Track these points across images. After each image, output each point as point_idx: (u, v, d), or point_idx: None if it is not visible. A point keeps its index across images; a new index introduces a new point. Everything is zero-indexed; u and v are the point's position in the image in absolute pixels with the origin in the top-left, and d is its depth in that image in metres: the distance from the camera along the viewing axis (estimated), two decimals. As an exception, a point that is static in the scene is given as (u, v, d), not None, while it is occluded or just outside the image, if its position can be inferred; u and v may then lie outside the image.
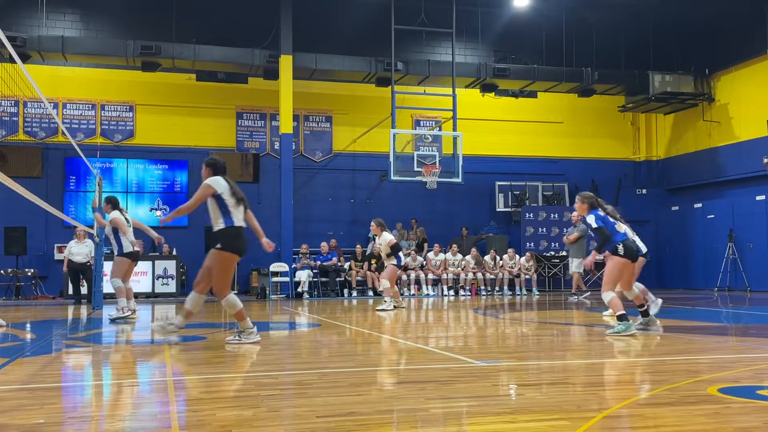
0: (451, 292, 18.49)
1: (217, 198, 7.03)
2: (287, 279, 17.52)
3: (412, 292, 18.13)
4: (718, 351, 6.74)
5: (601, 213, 8.17)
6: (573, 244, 15.32)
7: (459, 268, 18.63)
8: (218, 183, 7.08)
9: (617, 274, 7.96)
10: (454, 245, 18.99)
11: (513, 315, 11.68)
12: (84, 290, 15.60)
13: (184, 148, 19.64)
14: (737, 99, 19.95)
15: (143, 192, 19.41)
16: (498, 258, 19.04)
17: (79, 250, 15.27)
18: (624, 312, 7.73)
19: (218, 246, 7.04)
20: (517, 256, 19.27)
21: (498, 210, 21.50)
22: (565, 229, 20.86)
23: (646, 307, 8.51)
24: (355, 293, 17.83)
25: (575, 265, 15.30)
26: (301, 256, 17.89)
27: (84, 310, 13.40)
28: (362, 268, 18.13)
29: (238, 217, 7.13)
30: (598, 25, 20.67)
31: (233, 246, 7.09)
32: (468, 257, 18.75)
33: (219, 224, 7.04)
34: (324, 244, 18.23)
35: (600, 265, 20.61)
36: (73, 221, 14.98)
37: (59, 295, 17.65)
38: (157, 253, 18.40)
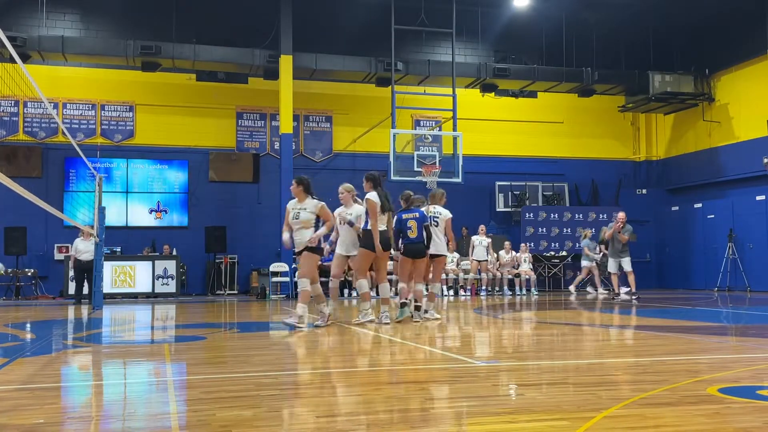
0: (451, 292, 18.49)
1: None
2: (287, 279, 17.51)
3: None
4: (718, 351, 6.74)
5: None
6: (624, 245, 15.23)
7: (456, 266, 18.65)
8: (376, 197, 9.12)
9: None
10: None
11: (513, 315, 11.68)
12: (85, 290, 15.58)
13: (184, 148, 19.64)
14: (737, 99, 19.95)
15: (143, 192, 19.40)
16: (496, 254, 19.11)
17: (86, 247, 15.24)
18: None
19: (360, 244, 9.27)
20: (513, 252, 19.30)
21: (498, 210, 21.51)
22: (565, 229, 20.88)
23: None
24: (355, 293, 17.79)
25: (628, 263, 15.18)
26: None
27: (84, 310, 13.40)
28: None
29: (382, 223, 9.10)
30: (598, 25, 20.67)
31: (366, 245, 9.16)
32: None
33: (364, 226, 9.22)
34: (326, 244, 18.19)
35: (599, 266, 20.65)
36: (72, 221, 14.98)
37: (59, 295, 17.66)
38: (157, 253, 18.42)
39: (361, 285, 9.45)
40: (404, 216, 9.79)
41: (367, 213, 9.23)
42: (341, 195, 9.57)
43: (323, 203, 8.79)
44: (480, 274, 18.29)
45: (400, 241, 9.78)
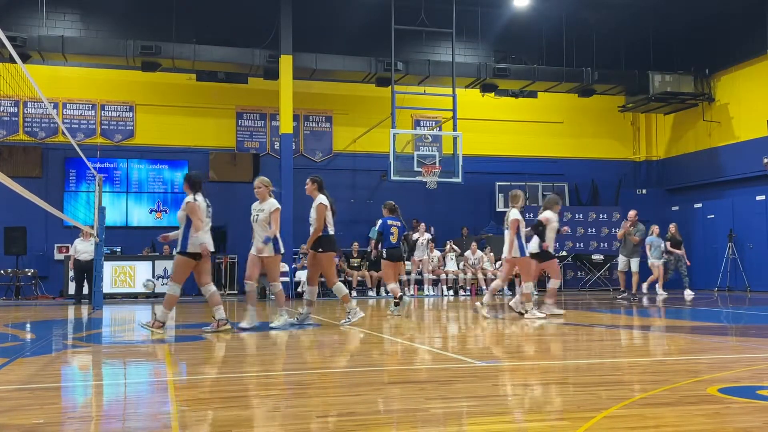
0: (451, 292, 18.51)
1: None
2: (287, 279, 17.50)
3: (412, 292, 18.13)
4: (718, 351, 6.74)
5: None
6: (635, 245, 15.13)
7: (449, 267, 18.70)
8: (325, 201, 9.16)
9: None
10: (449, 243, 19.00)
11: (513, 315, 11.68)
12: (86, 290, 15.56)
13: (184, 148, 19.64)
14: (737, 99, 19.95)
15: (143, 192, 19.40)
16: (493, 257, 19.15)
17: (85, 248, 15.26)
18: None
19: (320, 249, 9.17)
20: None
21: (498, 210, 21.47)
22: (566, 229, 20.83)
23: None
24: (354, 293, 17.82)
25: (636, 265, 15.10)
26: (301, 256, 17.89)
27: (84, 310, 13.40)
28: (359, 268, 18.18)
29: (332, 226, 9.21)
30: (598, 25, 20.67)
31: (331, 248, 9.23)
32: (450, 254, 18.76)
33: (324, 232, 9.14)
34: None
35: (599, 266, 20.62)
36: (73, 221, 14.98)
37: (59, 295, 17.65)
38: (157, 253, 18.41)
39: (339, 289, 9.36)
40: (389, 222, 10.91)
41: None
42: (258, 189, 9.00)
43: (191, 203, 8.30)
44: (422, 275, 18.18)
45: (381, 244, 10.97)
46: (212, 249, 8.55)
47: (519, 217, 10.20)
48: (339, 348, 7.26)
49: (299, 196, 18.40)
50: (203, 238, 8.38)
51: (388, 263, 11.06)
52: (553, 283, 10.82)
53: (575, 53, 20.35)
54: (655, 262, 16.62)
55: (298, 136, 20.05)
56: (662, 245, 16.81)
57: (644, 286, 16.49)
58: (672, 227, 17.27)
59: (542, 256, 10.70)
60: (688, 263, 17.30)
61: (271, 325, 8.96)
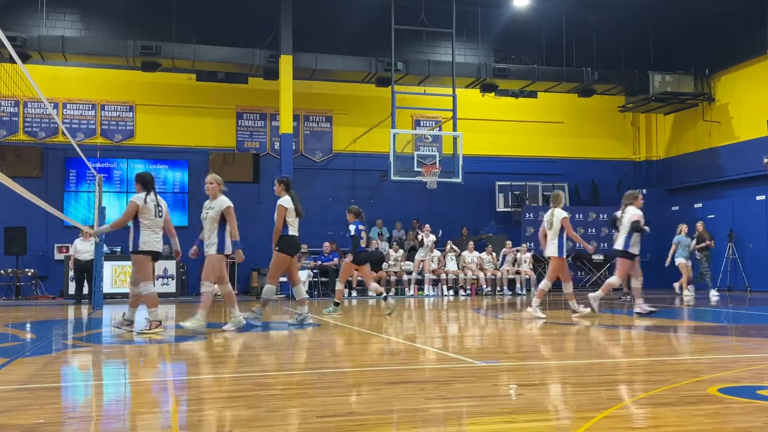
0: (451, 292, 18.51)
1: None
2: (286, 279, 17.48)
3: (412, 292, 18.14)
4: (718, 351, 6.74)
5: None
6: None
7: (452, 267, 18.71)
8: (288, 202, 9.26)
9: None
10: (449, 243, 19.00)
11: (513, 315, 11.68)
12: (86, 290, 15.55)
13: (184, 148, 19.64)
14: (737, 99, 19.95)
15: (143, 192, 19.38)
16: (495, 255, 19.14)
17: (85, 248, 15.26)
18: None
19: (277, 248, 9.30)
20: (515, 251, 19.31)
21: (498, 210, 21.51)
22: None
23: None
24: (354, 293, 17.82)
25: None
26: (300, 256, 17.90)
27: (84, 310, 13.40)
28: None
29: (294, 227, 9.35)
30: (598, 25, 20.67)
31: (286, 250, 9.31)
32: (450, 254, 18.79)
33: (281, 231, 9.28)
34: (327, 244, 18.27)
35: (599, 266, 20.64)
36: (73, 221, 14.97)
37: (59, 295, 17.65)
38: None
39: (269, 290, 9.48)
40: (360, 227, 11.13)
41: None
42: (209, 185, 8.64)
43: (132, 201, 8.60)
44: (422, 275, 18.33)
45: (355, 248, 11.05)
46: (158, 249, 8.62)
47: (567, 215, 10.30)
48: (339, 348, 7.26)
49: (299, 196, 18.41)
50: (151, 238, 8.49)
51: (351, 266, 11.27)
52: (613, 282, 10.61)
53: (575, 53, 20.36)
54: (682, 261, 16.34)
55: (298, 136, 20.06)
56: (690, 244, 16.63)
57: (676, 286, 16.50)
58: (699, 225, 17.16)
59: (630, 255, 10.46)
60: (712, 244, 17.03)
61: (184, 324, 8.56)
